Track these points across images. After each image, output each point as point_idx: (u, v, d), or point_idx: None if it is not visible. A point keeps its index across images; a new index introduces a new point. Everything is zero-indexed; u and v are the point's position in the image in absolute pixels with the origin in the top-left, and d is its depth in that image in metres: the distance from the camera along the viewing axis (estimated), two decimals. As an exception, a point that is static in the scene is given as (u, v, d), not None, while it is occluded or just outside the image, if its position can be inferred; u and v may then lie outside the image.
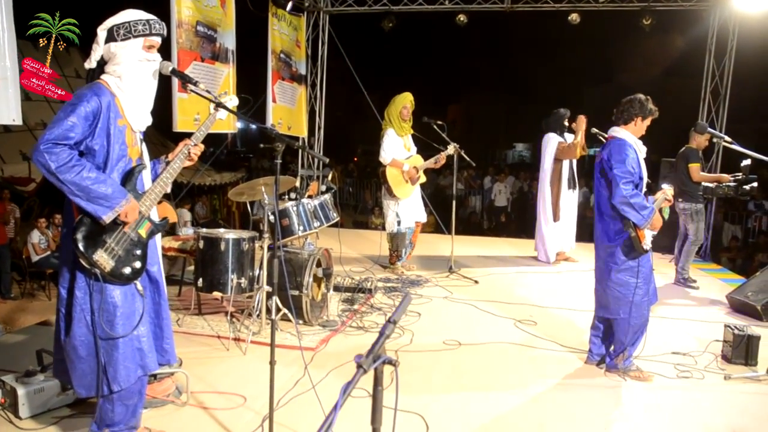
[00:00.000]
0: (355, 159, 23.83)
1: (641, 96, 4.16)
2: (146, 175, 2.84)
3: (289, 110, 9.79)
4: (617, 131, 4.18)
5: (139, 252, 2.72)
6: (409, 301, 1.72)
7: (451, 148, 6.96)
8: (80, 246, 2.54)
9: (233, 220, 14.54)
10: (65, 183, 2.46)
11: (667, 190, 4.25)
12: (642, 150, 4.13)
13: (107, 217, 2.55)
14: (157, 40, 2.79)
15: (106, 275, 2.60)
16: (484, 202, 16.39)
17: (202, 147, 2.99)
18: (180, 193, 10.82)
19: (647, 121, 4.17)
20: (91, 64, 2.74)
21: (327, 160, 4.71)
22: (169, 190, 2.92)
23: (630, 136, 4.12)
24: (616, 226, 4.10)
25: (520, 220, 14.82)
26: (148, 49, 2.74)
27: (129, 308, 2.71)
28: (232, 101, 3.13)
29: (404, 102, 6.97)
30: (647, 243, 4.05)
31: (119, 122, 2.67)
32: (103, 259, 2.58)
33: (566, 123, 7.63)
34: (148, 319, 2.84)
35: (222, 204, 14.69)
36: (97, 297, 2.60)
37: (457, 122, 29.75)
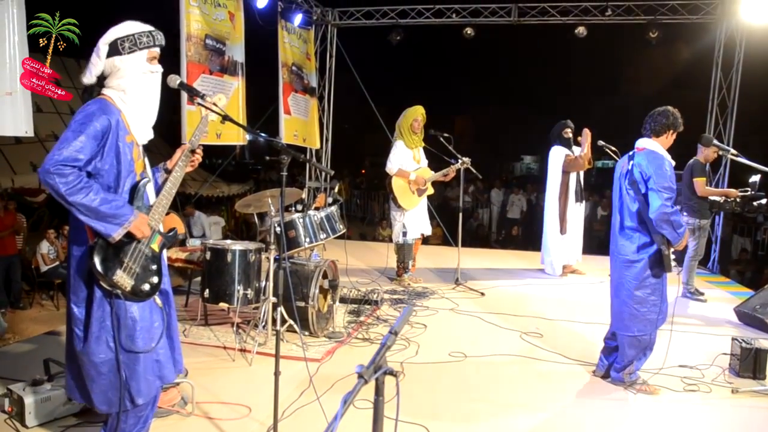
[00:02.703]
0: (363, 171, 23.90)
1: (672, 108, 4.03)
2: (150, 188, 2.84)
3: (303, 122, 9.89)
4: (648, 143, 4.03)
5: (154, 267, 2.72)
6: (411, 312, 1.73)
7: (461, 162, 6.98)
8: (99, 269, 2.53)
9: (241, 232, 14.57)
10: (73, 205, 2.45)
11: None
12: (672, 164, 3.99)
13: (117, 235, 2.55)
14: (159, 51, 2.79)
15: (127, 294, 2.60)
16: (492, 214, 16.38)
17: (201, 152, 2.97)
18: (187, 204, 10.90)
19: (674, 135, 4.06)
20: (91, 79, 2.69)
21: (332, 173, 4.74)
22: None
23: (661, 148, 3.99)
24: (641, 241, 3.99)
25: (527, 233, 14.80)
26: (151, 60, 2.73)
27: (147, 322, 2.71)
28: (222, 101, 3.13)
29: (415, 115, 7.01)
30: (672, 262, 3.97)
31: (127, 138, 2.65)
32: (123, 279, 2.58)
33: (567, 135, 7.63)
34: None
35: (230, 215, 14.74)
36: (117, 314, 2.60)
37: (465, 134, 29.77)
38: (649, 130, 4.06)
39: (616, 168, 4.30)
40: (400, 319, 1.78)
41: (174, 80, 2.92)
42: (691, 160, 6.78)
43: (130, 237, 2.62)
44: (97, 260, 2.54)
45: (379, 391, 1.68)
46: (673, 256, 3.99)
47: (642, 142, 4.08)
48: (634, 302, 4.04)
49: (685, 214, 6.76)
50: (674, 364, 4.66)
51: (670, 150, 4.11)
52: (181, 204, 10.77)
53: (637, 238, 4.02)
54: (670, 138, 4.05)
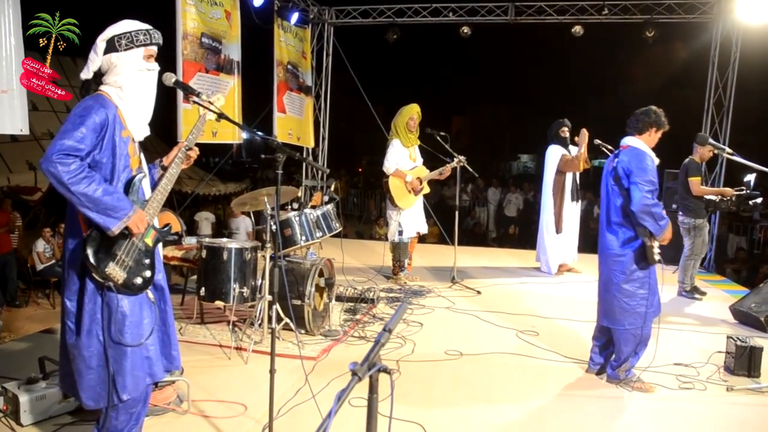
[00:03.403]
0: (360, 170, 23.88)
1: (655, 107, 4.17)
2: (145, 183, 2.86)
3: (297, 121, 9.89)
4: (632, 140, 4.15)
5: (147, 261, 2.74)
6: (405, 310, 1.73)
7: (457, 161, 6.99)
8: (92, 260, 2.55)
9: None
10: (75, 194, 2.46)
11: None
12: (656, 160, 4.11)
13: (116, 228, 2.56)
14: (156, 50, 2.82)
15: (119, 287, 2.61)
16: (488, 212, 16.40)
17: (197, 150, 2.99)
18: (185, 203, 10.88)
19: (659, 133, 4.16)
20: (88, 74, 2.73)
21: (327, 171, 4.74)
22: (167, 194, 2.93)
23: (645, 145, 4.10)
24: (626, 235, 4.08)
25: (524, 232, 14.83)
26: (148, 58, 2.76)
27: (137, 317, 2.72)
28: (219, 101, 3.15)
29: (411, 113, 7.00)
30: (656, 254, 4.03)
31: (123, 133, 2.68)
32: (116, 271, 2.59)
33: (564, 134, 7.65)
34: (154, 328, 2.85)
35: (226, 214, 14.71)
36: (107, 308, 2.62)
37: (462, 133, 29.78)
38: (633, 128, 4.19)
39: (604, 166, 4.40)
40: (394, 316, 1.79)
41: (169, 78, 2.92)
42: (687, 159, 6.78)
43: (126, 231, 2.62)
44: (90, 252, 2.55)
45: (373, 389, 1.69)
46: (658, 250, 4.05)
47: (626, 140, 4.22)
48: (624, 296, 4.11)
49: (680, 213, 6.77)
50: (670, 362, 4.68)
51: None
52: (179, 202, 10.75)
53: (623, 233, 4.11)
54: (653, 136, 4.16)
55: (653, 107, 4.17)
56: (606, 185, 4.23)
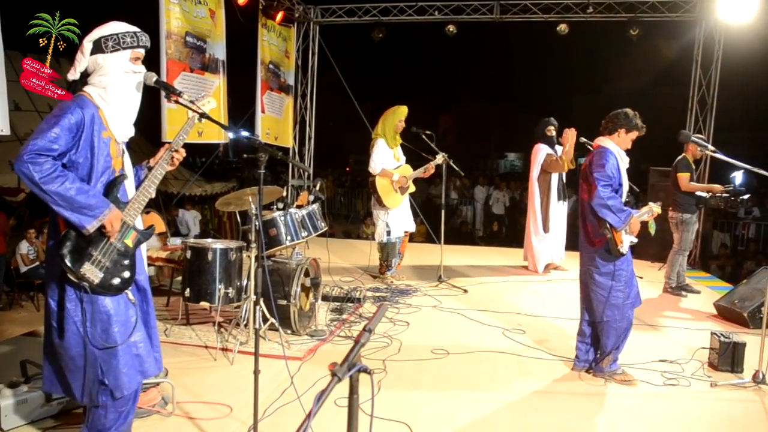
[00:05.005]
0: (348, 169, 23.87)
1: (628, 110, 4.30)
2: (129, 185, 2.84)
3: (276, 120, 9.83)
4: (602, 141, 4.32)
5: (126, 262, 2.72)
6: (386, 310, 1.73)
7: (440, 158, 7.00)
8: (67, 261, 2.53)
9: (224, 231, 14.46)
10: (48, 193, 2.46)
11: (653, 206, 4.35)
12: (624, 160, 4.26)
13: (91, 227, 2.55)
14: (143, 52, 2.81)
15: (95, 287, 2.59)
16: (475, 210, 16.44)
17: (183, 152, 2.98)
18: (170, 203, 10.81)
19: (632, 135, 4.29)
20: (75, 75, 2.73)
21: (309, 170, 4.73)
22: (153, 195, 2.92)
23: (613, 145, 4.25)
24: (596, 230, 4.21)
25: (511, 230, 14.89)
26: (135, 61, 2.77)
27: (123, 316, 2.71)
28: (210, 104, 3.13)
29: (401, 116, 6.99)
30: (624, 247, 4.13)
31: (104, 134, 2.66)
32: (91, 272, 2.57)
33: (551, 133, 7.68)
34: (141, 325, 2.84)
35: (213, 214, 14.62)
36: (88, 308, 2.60)
37: (449, 132, 29.87)
38: (603, 128, 4.36)
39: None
40: (375, 317, 1.78)
41: (150, 77, 2.90)
42: (679, 156, 6.84)
43: (103, 231, 2.60)
44: (65, 251, 2.54)
45: (353, 389, 1.68)
46: (631, 242, 4.16)
47: (597, 140, 4.39)
48: (599, 288, 4.24)
49: (670, 208, 6.84)
50: (654, 359, 4.72)
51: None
52: (164, 203, 10.67)
53: (593, 228, 4.24)
54: (623, 136, 4.29)
55: (626, 110, 4.31)
56: (579, 183, 4.40)
